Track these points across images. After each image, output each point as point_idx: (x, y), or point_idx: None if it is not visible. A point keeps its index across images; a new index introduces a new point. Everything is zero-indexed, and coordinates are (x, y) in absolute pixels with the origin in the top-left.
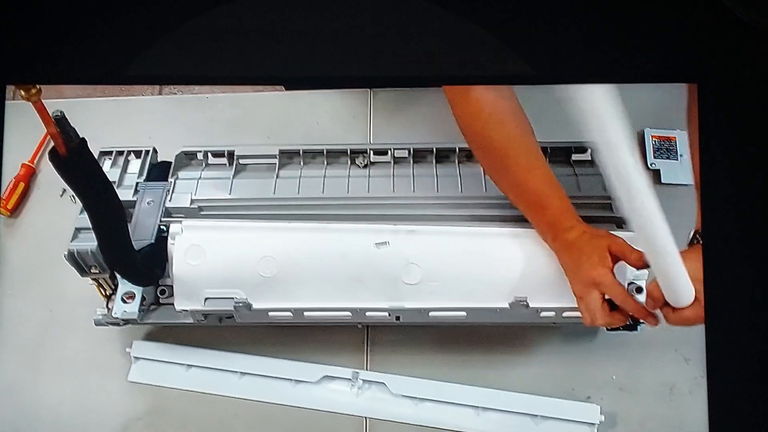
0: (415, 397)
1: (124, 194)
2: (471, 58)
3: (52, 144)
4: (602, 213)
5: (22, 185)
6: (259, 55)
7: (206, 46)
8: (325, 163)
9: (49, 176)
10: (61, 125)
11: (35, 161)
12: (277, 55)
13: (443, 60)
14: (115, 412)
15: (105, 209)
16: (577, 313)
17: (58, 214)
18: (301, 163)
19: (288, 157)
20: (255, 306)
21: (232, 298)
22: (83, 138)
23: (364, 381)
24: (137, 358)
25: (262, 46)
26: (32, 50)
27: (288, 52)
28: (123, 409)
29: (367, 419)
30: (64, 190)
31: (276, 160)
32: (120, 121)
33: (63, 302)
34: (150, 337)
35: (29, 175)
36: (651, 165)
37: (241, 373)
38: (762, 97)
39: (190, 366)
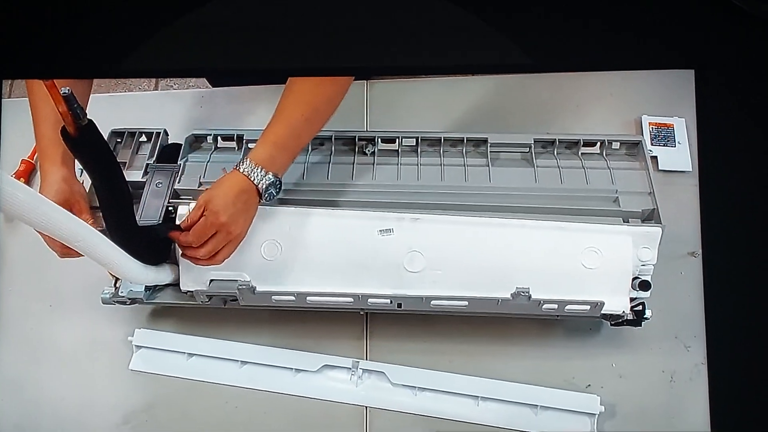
0: (415, 387)
1: (135, 175)
2: (467, 46)
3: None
4: (610, 206)
5: (21, 181)
6: (256, 48)
7: (201, 39)
8: (333, 149)
9: None
10: (69, 103)
11: (35, 157)
12: (274, 47)
13: (439, 49)
14: (117, 401)
15: (114, 189)
16: (581, 307)
17: None
18: (309, 149)
19: None
20: (259, 289)
21: (237, 281)
22: (91, 119)
23: (364, 370)
24: (139, 347)
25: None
26: (27, 45)
27: (284, 44)
28: (124, 399)
29: (367, 408)
30: None
31: None
32: (116, 116)
33: (62, 297)
34: (153, 315)
35: (29, 172)
36: (648, 152)
37: (242, 362)
38: (759, 84)
39: (191, 355)
